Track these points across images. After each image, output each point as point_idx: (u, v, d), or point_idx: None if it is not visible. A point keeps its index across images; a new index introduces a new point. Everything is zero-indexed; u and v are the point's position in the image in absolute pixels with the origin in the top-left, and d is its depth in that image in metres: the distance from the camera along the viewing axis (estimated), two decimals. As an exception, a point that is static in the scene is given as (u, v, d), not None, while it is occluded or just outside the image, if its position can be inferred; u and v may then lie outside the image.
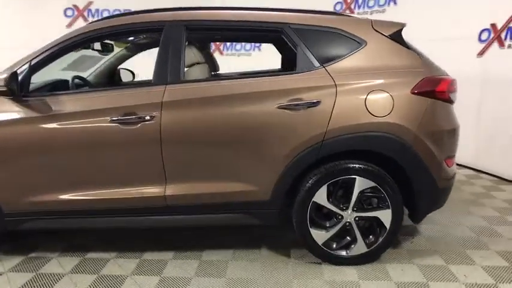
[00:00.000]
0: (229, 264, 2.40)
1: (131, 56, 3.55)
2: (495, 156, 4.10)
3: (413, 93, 2.21)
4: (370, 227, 2.35)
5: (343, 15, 2.48)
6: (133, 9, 6.18)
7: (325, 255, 2.37)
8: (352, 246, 2.33)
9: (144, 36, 3.11)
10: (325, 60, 2.28)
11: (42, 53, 2.29)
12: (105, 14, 6.14)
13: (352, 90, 2.20)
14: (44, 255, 2.54)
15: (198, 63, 2.52)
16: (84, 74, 3.33)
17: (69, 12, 6.03)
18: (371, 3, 5.34)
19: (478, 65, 4.13)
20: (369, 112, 2.17)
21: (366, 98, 2.18)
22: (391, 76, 2.24)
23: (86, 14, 6.06)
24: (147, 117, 2.18)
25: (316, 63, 2.27)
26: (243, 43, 5.88)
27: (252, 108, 2.21)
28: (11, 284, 2.20)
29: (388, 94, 2.19)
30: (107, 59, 3.52)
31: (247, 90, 2.23)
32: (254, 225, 2.40)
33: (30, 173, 2.26)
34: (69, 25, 6.01)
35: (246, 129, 2.22)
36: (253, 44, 5.84)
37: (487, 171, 4.25)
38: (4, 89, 2.07)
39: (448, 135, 2.31)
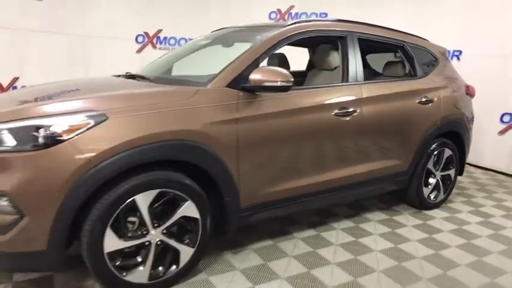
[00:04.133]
0: (375, 224, 3.14)
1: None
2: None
3: (465, 93, 3.57)
4: (442, 181, 3.57)
5: (426, 40, 3.58)
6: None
7: (426, 205, 3.45)
8: (437, 195, 3.51)
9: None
10: (425, 71, 3.35)
11: (266, 51, 2.39)
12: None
13: (446, 91, 3.37)
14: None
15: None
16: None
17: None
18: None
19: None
20: (455, 106, 3.40)
21: (452, 97, 3.39)
22: (456, 82, 3.53)
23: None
24: (358, 111, 2.69)
25: (423, 72, 3.31)
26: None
27: (402, 103, 3.06)
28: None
29: (460, 94, 3.47)
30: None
31: (395, 90, 3.05)
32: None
33: (272, 164, 2.37)
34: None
35: (399, 118, 3.05)
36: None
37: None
38: (290, 84, 2.16)
39: (473, 119, 3.80)
